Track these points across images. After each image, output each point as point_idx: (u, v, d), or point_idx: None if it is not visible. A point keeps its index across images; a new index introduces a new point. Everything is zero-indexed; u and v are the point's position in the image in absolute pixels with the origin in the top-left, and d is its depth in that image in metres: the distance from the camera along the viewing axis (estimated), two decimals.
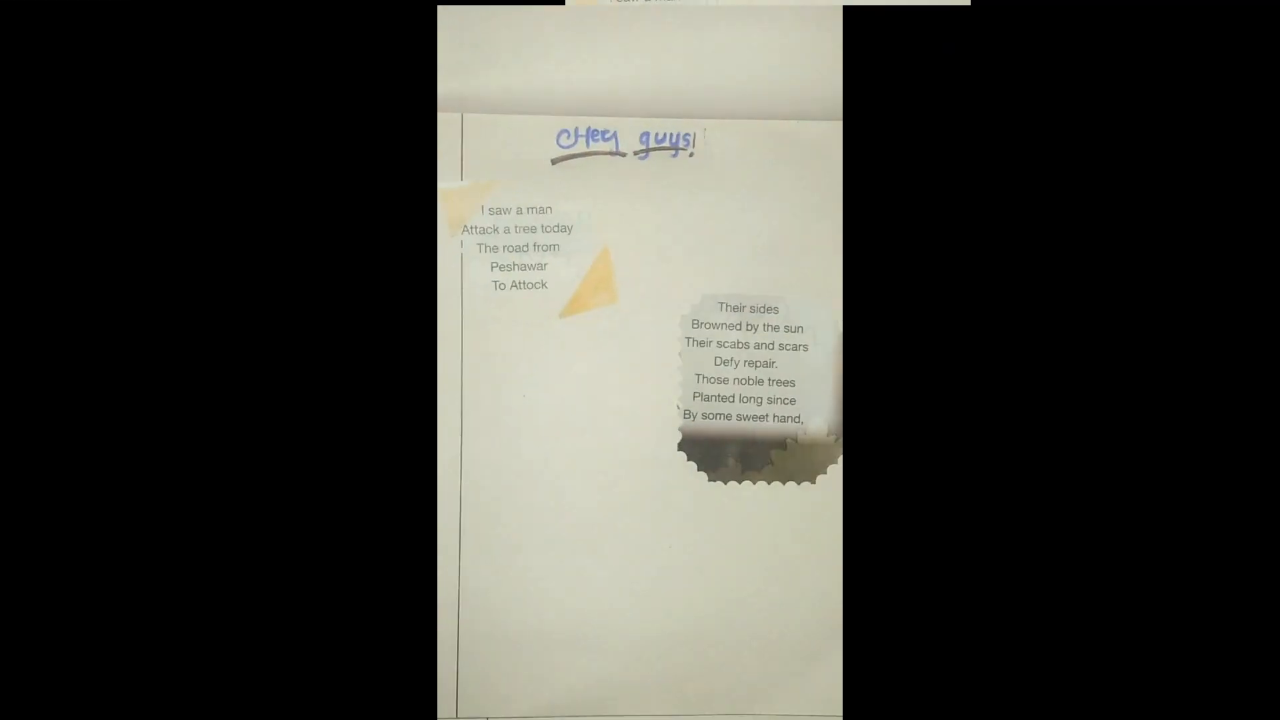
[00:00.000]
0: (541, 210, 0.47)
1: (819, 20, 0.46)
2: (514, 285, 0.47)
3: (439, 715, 0.46)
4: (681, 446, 0.47)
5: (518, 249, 0.47)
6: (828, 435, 0.48)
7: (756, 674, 0.47)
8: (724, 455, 0.48)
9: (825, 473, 0.47)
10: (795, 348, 0.48)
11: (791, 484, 0.48)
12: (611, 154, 0.47)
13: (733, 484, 0.47)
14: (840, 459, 0.47)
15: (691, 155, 0.48)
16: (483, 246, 0.47)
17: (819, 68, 0.46)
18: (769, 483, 0.48)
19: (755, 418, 0.48)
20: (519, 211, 0.47)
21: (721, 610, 0.47)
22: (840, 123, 0.47)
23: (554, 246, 0.47)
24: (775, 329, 0.48)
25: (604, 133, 0.47)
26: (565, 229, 0.47)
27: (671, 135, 0.47)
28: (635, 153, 0.47)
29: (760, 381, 0.48)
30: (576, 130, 0.47)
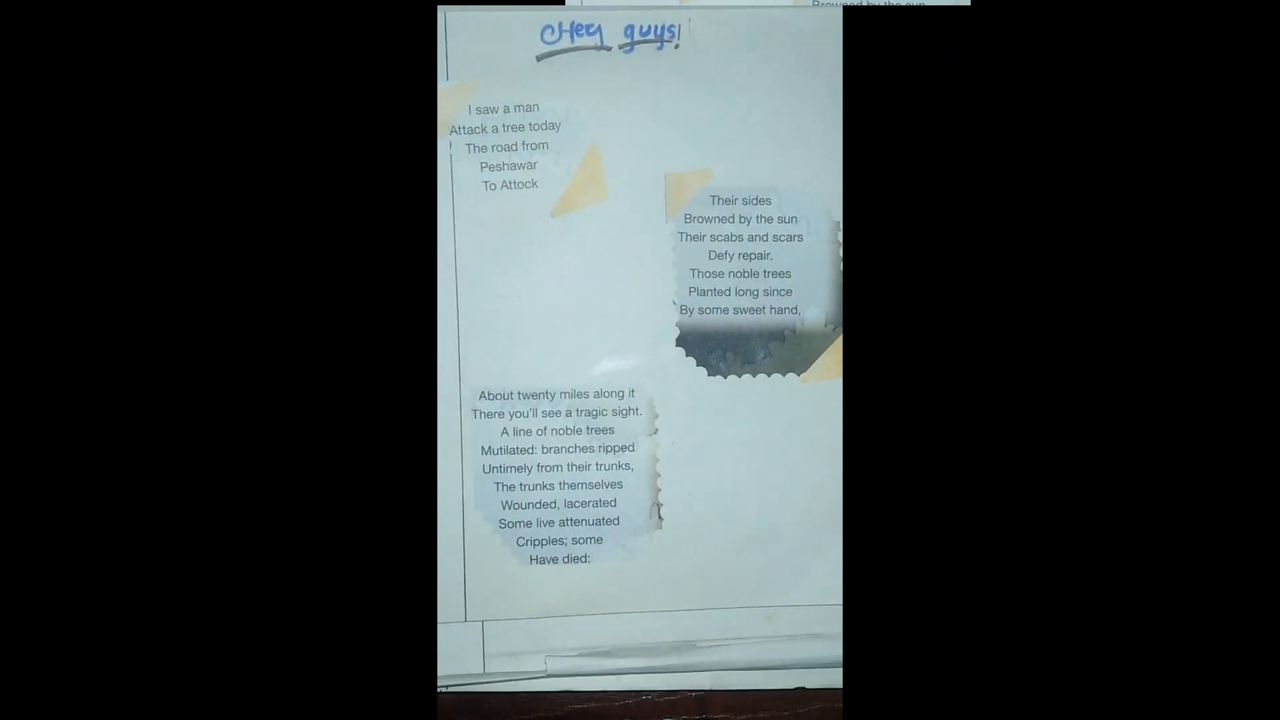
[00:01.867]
0: (529, 108, 0.47)
1: None
2: (504, 185, 0.47)
3: (442, 620, 0.46)
4: (679, 342, 0.47)
5: (506, 148, 0.47)
6: (825, 325, 0.48)
7: (756, 566, 0.47)
8: (721, 349, 0.47)
9: (824, 363, 0.47)
10: (789, 238, 0.48)
11: (792, 375, 0.47)
12: (597, 49, 0.47)
13: (731, 378, 0.47)
14: (837, 348, 0.47)
15: (677, 47, 0.47)
16: (471, 146, 0.47)
17: None
18: (768, 375, 0.47)
19: (751, 310, 0.48)
20: (506, 110, 0.47)
21: (721, 504, 0.47)
22: (823, 9, 0.47)
23: (543, 145, 0.47)
24: (769, 220, 0.48)
25: (588, 27, 0.47)
26: (553, 126, 0.47)
27: (656, 27, 0.47)
28: (620, 46, 0.47)
29: (755, 274, 0.48)
30: (560, 25, 0.47)
